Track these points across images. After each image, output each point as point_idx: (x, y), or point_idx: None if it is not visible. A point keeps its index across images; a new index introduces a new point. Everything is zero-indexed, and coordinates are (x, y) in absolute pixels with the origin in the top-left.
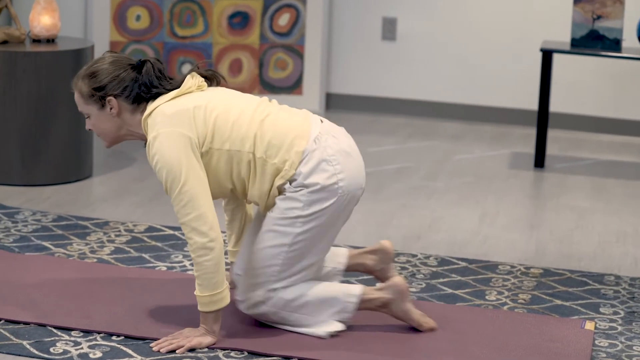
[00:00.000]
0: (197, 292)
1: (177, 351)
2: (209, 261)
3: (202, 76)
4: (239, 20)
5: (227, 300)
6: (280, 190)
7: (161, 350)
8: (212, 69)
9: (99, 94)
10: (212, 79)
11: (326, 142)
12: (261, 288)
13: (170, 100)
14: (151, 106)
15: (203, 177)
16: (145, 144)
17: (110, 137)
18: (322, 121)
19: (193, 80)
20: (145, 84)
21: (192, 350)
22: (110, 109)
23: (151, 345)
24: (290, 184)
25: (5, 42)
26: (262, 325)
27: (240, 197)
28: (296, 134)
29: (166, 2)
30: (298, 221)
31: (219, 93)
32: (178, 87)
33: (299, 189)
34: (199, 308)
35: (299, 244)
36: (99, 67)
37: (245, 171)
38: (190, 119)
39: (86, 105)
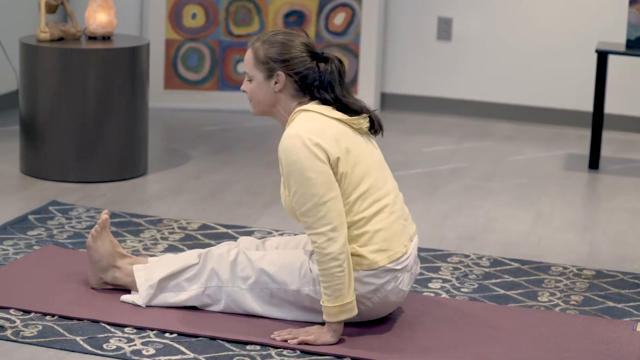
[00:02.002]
0: (325, 303)
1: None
2: (341, 270)
3: (371, 120)
4: (295, 19)
5: (355, 311)
6: None
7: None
8: (381, 124)
9: (272, 65)
10: (378, 130)
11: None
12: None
13: (331, 118)
14: (311, 106)
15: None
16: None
17: (260, 107)
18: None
19: (361, 119)
20: (321, 80)
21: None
22: (275, 83)
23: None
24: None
25: (61, 39)
26: (314, 324)
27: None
28: (392, 251)
29: (222, 0)
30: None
31: (367, 156)
32: (348, 105)
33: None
34: (326, 319)
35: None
36: (287, 40)
37: None
38: (334, 147)
39: (254, 68)
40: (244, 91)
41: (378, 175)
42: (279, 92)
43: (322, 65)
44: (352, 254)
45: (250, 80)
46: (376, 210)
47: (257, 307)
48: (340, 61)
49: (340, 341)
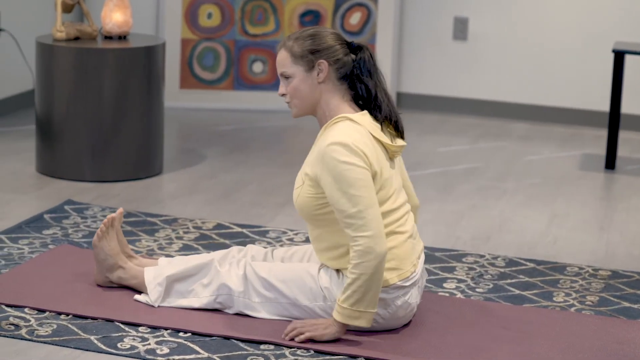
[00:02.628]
0: (345, 304)
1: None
2: (379, 277)
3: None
4: (311, 18)
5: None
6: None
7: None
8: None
9: (313, 57)
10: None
11: (402, 300)
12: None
13: (374, 137)
14: (358, 117)
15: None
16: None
17: (304, 104)
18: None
19: (398, 148)
20: (360, 68)
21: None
22: (318, 73)
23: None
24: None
25: (77, 39)
26: None
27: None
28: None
29: (237, 0)
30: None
31: (392, 181)
32: (381, 107)
33: None
34: (339, 319)
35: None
36: (319, 32)
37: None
38: (375, 162)
39: (293, 65)
40: (282, 95)
41: (396, 199)
42: (322, 83)
43: (358, 53)
44: None
45: (288, 79)
46: (389, 231)
47: (268, 316)
48: (368, 49)
49: (353, 341)
